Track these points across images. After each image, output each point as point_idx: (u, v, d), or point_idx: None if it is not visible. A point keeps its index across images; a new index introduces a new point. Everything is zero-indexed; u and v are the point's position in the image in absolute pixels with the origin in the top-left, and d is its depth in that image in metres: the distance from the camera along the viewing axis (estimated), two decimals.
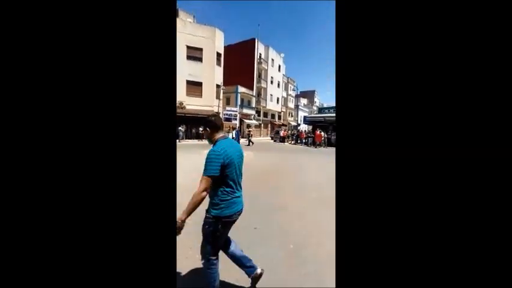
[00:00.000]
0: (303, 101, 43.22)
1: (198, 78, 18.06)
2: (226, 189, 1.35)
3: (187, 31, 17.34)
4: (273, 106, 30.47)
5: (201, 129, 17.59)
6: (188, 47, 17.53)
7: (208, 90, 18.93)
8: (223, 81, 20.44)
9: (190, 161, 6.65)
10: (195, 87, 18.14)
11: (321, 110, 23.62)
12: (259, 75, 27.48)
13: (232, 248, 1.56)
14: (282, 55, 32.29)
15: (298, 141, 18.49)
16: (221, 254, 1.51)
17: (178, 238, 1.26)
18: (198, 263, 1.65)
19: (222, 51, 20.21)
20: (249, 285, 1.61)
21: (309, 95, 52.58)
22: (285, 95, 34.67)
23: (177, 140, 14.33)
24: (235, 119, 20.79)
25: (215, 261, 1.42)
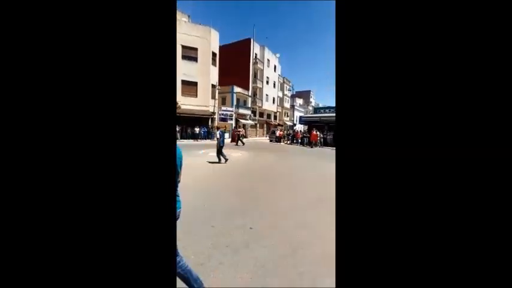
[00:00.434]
0: (299, 101, 43.37)
1: (193, 78, 17.98)
2: None
3: (182, 30, 17.23)
4: (268, 106, 30.52)
5: (196, 129, 17.64)
6: (183, 47, 17.44)
7: (204, 90, 18.85)
8: (219, 81, 20.37)
9: (186, 161, 6.59)
10: (190, 87, 18.04)
11: (316, 110, 23.77)
12: (255, 75, 27.49)
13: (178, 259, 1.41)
14: (278, 55, 32.40)
15: (294, 141, 18.56)
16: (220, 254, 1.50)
17: None
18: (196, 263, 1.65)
19: (217, 51, 20.14)
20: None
21: (305, 95, 52.80)
22: (280, 95, 34.77)
23: None
24: (231, 119, 20.75)
25: (177, 259, 1.36)
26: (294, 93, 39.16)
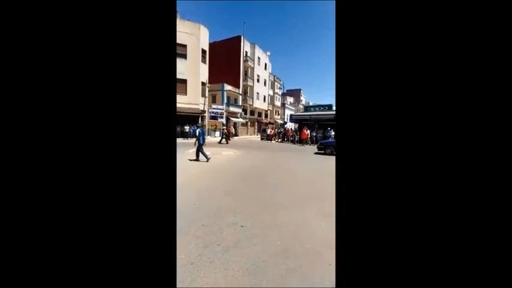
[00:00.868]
0: (290, 100, 43.65)
1: (182, 75, 17.63)
2: None
3: None
4: (259, 104, 30.50)
5: (186, 127, 17.35)
6: None
7: (193, 87, 18.56)
8: (209, 78, 20.12)
9: (179, 159, 6.49)
10: (179, 84, 17.66)
11: (307, 108, 23.98)
12: (246, 73, 27.35)
13: None
14: (268, 53, 32.36)
15: (285, 139, 18.68)
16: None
17: None
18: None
19: (207, 48, 19.87)
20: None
21: (295, 93, 53.19)
22: (271, 93, 34.82)
23: None
24: (222, 117, 20.57)
25: None
26: (285, 91, 39.34)
